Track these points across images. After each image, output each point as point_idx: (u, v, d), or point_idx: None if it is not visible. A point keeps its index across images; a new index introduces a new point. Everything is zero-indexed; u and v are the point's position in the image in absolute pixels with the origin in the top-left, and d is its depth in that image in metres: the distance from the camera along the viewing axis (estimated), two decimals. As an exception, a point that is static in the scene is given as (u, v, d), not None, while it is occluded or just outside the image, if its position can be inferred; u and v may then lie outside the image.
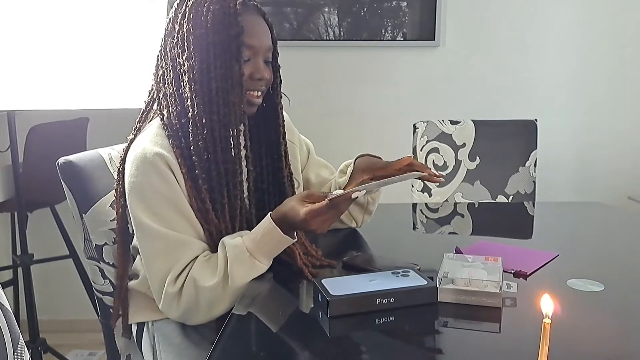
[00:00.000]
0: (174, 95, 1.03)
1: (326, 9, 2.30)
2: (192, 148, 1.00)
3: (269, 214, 0.99)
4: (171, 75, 1.03)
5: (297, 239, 1.01)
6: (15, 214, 2.11)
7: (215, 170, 1.01)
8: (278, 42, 1.10)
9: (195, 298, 0.96)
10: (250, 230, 1.01)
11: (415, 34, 2.32)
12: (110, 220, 1.19)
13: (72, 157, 1.16)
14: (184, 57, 1.00)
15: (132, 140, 1.07)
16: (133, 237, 1.15)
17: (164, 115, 1.03)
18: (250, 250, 0.96)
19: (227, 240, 0.99)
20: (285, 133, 1.14)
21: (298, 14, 2.30)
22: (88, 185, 1.16)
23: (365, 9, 2.30)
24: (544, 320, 0.56)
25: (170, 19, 1.05)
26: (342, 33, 2.32)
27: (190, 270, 0.97)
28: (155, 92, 1.08)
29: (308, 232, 0.99)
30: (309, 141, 1.32)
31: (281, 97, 1.13)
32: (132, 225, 1.14)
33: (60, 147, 1.68)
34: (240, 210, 1.04)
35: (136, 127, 1.09)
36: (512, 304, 0.86)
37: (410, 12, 2.30)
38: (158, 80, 1.07)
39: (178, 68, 1.02)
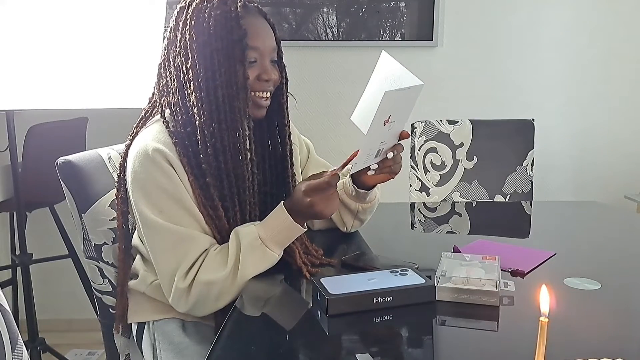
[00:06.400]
0: (179, 105, 1.02)
1: (325, 10, 2.30)
2: (201, 156, 1.00)
3: (281, 202, 1.01)
4: (175, 84, 1.03)
5: (306, 229, 1.02)
6: (14, 213, 2.11)
7: (226, 178, 1.01)
8: (276, 41, 1.10)
9: (206, 292, 0.97)
10: None
11: (414, 34, 2.33)
12: (110, 220, 1.19)
13: (71, 157, 1.16)
14: (187, 66, 1.00)
15: (133, 137, 1.07)
16: (133, 234, 1.16)
17: (168, 123, 1.03)
18: (263, 238, 0.97)
19: (240, 228, 1.00)
20: (290, 133, 1.14)
21: (297, 14, 2.31)
22: (87, 185, 1.17)
23: (363, 10, 2.30)
24: (541, 319, 0.56)
25: (171, 27, 1.04)
26: (340, 33, 2.32)
27: (200, 264, 0.98)
28: (158, 101, 1.07)
29: (312, 211, 0.98)
30: (309, 141, 1.32)
31: (287, 96, 1.13)
32: (131, 225, 1.15)
33: (59, 147, 1.69)
34: (250, 215, 1.05)
35: (133, 132, 1.09)
36: (509, 303, 0.86)
37: (409, 13, 2.31)
38: (161, 89, 1.06)
39: (182, 77, 1.01)
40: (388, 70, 1.01)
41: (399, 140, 1.05)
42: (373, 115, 0.91)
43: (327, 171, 1.02)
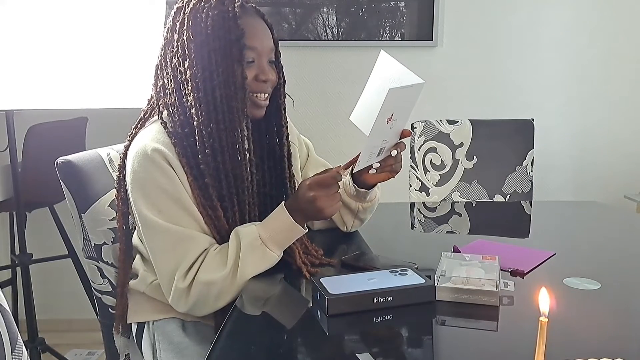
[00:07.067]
0: (176, 105, 1.02)
1: (324, 9, 2.30)
2: (199, 157, 1.00)
3: (282, 202, 1.02)
4: (172, 85, 1.02)
5: (307, 231, 1.03)
6: (14, 213, 2.11)
7: (224, 178, 1.01)
8: (276, 42, 1.10)
9: (206, 292, 0.97)
10: None
11: (413, 34, 2.33)
12: (109, 220, 1.19)
13: (70, 157, 1.16)
14: (185, 66, 0.99)
15: (132, 138, 1.07)
16: (133, 234, 1.16)
17: (166, 124, 1.03)
18: (263, 238, 0.98)
19: (241, 228, 1.00)
20: (288, 134, 1.14)
21: (296, 14, 2.31)
22: (87, 185, 1.16)
23: (363, 9, 2.30)
24: (540, 319, 0.56)
25: (168, 27, 1.04)
26: (340, 33, 2.32)
27: (200, 264, 0.98)
28: (155, 102, 1.07)
29: (314, 207, 0.98)
30: (308, 141, 1.32)
31: (285, 97, 1.12)
32: (131, 225, 1.15)
33: (59, 147, 1.69)
34: (249, 215, 1.05)
35: (132, 133, 1.09)
36: (509, 303, 0.86)
37: (408, 13, 2.31)
38: (158, 90, 1.06)
39: (179, 77, 1.01)
40: (388, 69, 1.01)
41: (401, 138, 1.06)
42: (376, 114, 0.91)
43: (332, 168, 1.02)
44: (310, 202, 0.98)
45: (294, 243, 1.03)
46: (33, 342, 1.98)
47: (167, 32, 1.04)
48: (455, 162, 1.87)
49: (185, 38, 0.99)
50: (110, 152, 1.25)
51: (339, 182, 1.01)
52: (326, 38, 2.33)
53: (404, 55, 2.48)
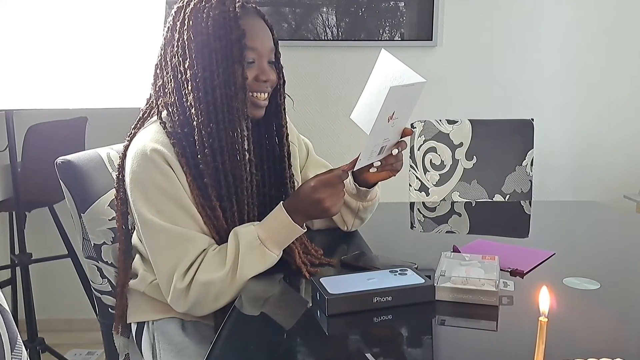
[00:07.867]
0: (176, 105, 1.02)
1: (324, 9, 2.30)
2: (199, 157, 1.00)
3: (280, 202, 1.02)
4: (172, 85, 1.02)
5: (306, 230, 1.03)
6: (14, 213, 2.11)
7: (224, 179, 1.01)
8: (276, 41, 1.10)
9: (205, 292, 0.97)
10: None
11: (413, 34, 2.33)
12: (109, 220, 1.19)
13: (70, 157, 1.16)
14: (185, 66, 0.99)
15: (131, 138, 1.07)
16: (133, 234, 1.16)
17: (165, 124, 1.03)
18: (262, 238, 0.98)
19: (239, 228, 1.00)
20: (288, 135, 1.14)
21: (296, 14, 2.31)
22: (86, 185, 1.17)
23: (363, 9, 2.30)
24: (540, 319, 0.56)
25: (168, 27, 1.04)
26: (340, 33, 2.32)
27: (199, 264, 0.98)
28: (154, 102, 1.07)
29: (319, 207, 0.99)
30: (308, 141, 1.32)
31: (284, 98, 1.13)
32: (131, 225, 1.15)
33: (58, 147, 1.69)
34: (248, 215, 1.05)
35: (131, 133, 1.09)
36: (508, 302, 0.86)
37: (408, 13, 2.31)
38: (157, 89, 1.06)
39: (179, 77, 1.01)
40: (389, 68, 1.01)
41: (402, 137, 1.06)
42: (377, 112, 0.91)
43: (334, 169, 1.02)
44: (316, 203, 0.98)
45: (293, 243, 1.03)
46: (33, 342, 1.98)
47: (167, 32, 1.04)
48: (455, 162, 1.87)
49: (185, 38, 0.99)
50: (109, 152, 1.25)
51: (346, 179, 1.01)
52: (326, 38, 2.33)
53: (403, 55, 2.47)
